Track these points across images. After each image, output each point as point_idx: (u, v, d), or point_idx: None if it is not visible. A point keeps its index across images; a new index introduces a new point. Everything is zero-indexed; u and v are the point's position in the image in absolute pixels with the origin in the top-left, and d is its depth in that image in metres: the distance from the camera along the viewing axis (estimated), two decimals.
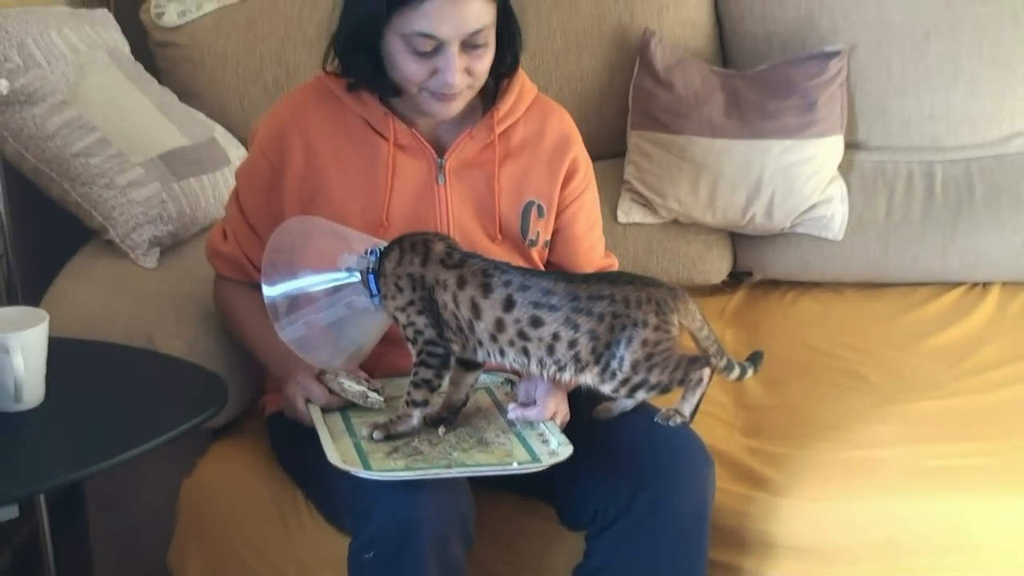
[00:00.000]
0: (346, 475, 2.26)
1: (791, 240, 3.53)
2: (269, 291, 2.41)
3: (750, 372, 2.46)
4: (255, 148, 2.62)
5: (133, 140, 3.01)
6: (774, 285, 3.62)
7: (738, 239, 3.58)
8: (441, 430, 2.41)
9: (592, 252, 2.76)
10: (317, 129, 2.57)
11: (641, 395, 2.36)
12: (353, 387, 2.48)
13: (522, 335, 2.31)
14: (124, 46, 3.36)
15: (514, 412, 2.45)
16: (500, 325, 2.31)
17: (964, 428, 2.86)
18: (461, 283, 2.32)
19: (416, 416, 2.38)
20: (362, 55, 2.49)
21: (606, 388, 2.34)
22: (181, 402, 2.33)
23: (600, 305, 2.29)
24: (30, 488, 2.20)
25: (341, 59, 2.54)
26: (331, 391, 2.48)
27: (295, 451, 2.59)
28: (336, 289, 2.39)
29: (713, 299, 3.53)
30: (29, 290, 3.02)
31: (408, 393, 2.38)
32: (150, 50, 3.57)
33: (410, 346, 2.38)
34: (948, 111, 3.54)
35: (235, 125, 3.45)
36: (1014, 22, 3.51)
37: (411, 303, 2.34)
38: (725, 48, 3.69)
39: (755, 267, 3.60)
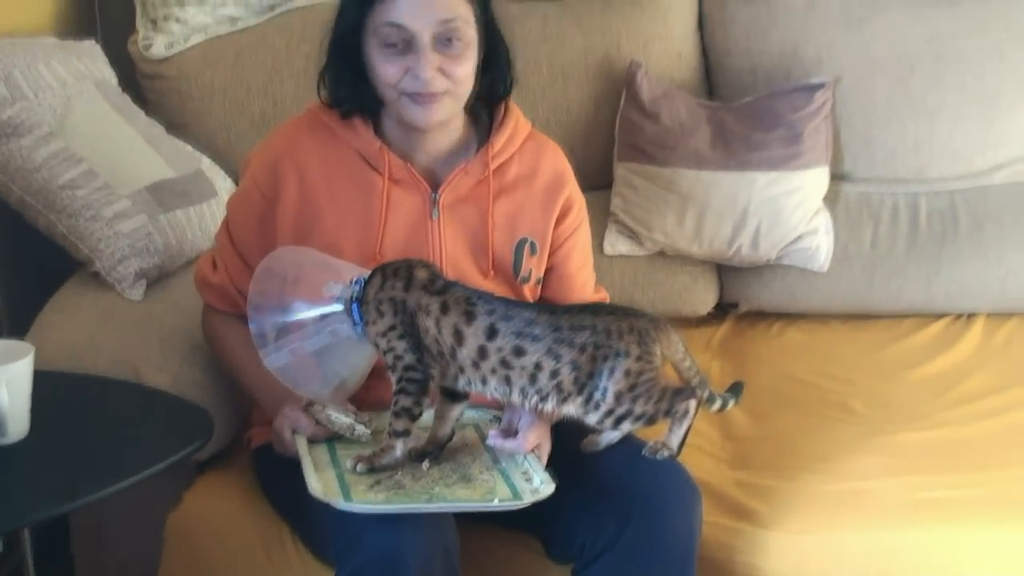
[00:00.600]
0: (331, 507, 2.25)
1: (777, 271, 3.54)
2: (255, 320, 2.40)
3: (731, 403, 2.46)
4: (248, 179, 2.62)
5: (120, 172, 3.01)
6: (760, 316, 3.62)
7: (724, 270, 3.58)
8: (425, 464, 2.40)
9: (584, 289, 2.77)
10: (311, 161, 2.57)
11: (627, 426, 2.35)
12: (340, 419, 2.47)
13: (504, 364, 2.31)
14: (112, 78, 3.36)
15: (494, 440, 2.44)
16: (483, 353, 2.31)
17: (951, 459, 2.86)
18: (444, 309, 2.33)
19: (399, 447, 2.37)
20: (346, 69, 2.51)
21: (591, 419, 2.34)
22: (167, 435, 2.32)
23: (582, 335, 2.29)
24: (15, 522, 2.20)
25: (329, 76, 2.56)
26: (318, 422, 2.48)
27: (281, 484, 2.58)
28: (322, 317, 2.39)
29: (700, 331, 3.54)
30: (14, 323, 3.01)
31: (390, 424, 2.37)
32: (138, 82, 3.58)
33: (390, 374, 2.37)
34: (932, 143, 3.56)
35: (222, 157, 3.46)
36: (997, 55, 3.53)
37: (392, 327, 2.34)
38: (711, 80, 3.71)
39: (741, 298, 3.60)
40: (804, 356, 3.40)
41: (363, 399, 2.54)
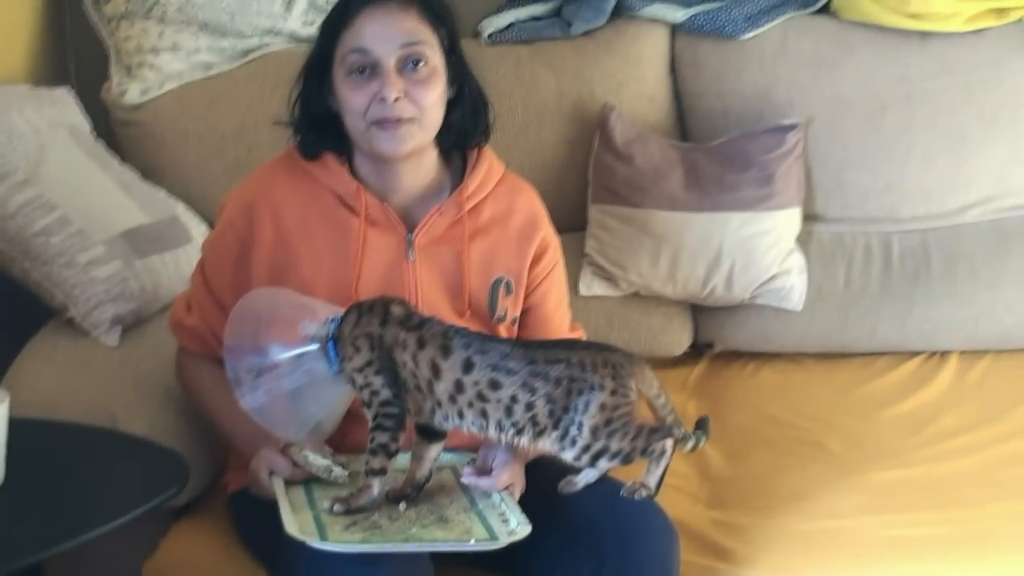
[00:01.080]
0: (307, 548, 2.24)
1: (751, 311, 3.55)
2: (231, 360, 2.40)
3: (703, 440, 2.45)
4: (223, 221, 2.62)
5: (94, 218, 3.01)
6: (735, 356, 3.62)
7: (699, 311, 3.59)
8: (402, 506, 2.40)
9: (561, 328, 2.77)
10: (287, 204, 2.58)
11: (603, 464, 2.35)
12: (318, 461, 2.47)
13: (481, 397, 2.31)
14: (85, 125, 3.36)
15: (468, 477, 2.45)
16: (459, 386, 2.32)
17: (925, 497, 2.86)
18: (421, 344, 2.33)
19: (376, 486, 2.37)
20: (316, 109, 2.55)
21: (567, 456, 2.34)
22: (143, 481, 2.31)
23: (557, 369, 2.30)
24: None
25: (299, 116, 2.58)
26: (296, 464, 2.47)
27: (258, 529, 2.57)
28: (297, 357, 2.39)
29: (675, 371, 3.54)
30: None
31: (367, 462, 2.37)
32: (112, 128, 3.58)
33: (365, 411, 2.37)
34: (904, 183, 3.58)
35: (197, 202, 3.45)
36: (967, 95, 3.56)
37: (369, 363, 2.34)
38: (683, 122, 3.73)
39: (716, 338, 3.61)
40: (779, 395, 3.40)
41: (339, 443, 2.54)
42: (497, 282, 2.64)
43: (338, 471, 2.47)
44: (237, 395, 2.40)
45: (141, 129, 3.57)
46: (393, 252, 2.58)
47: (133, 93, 3.57)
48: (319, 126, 2.57)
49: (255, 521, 2.57)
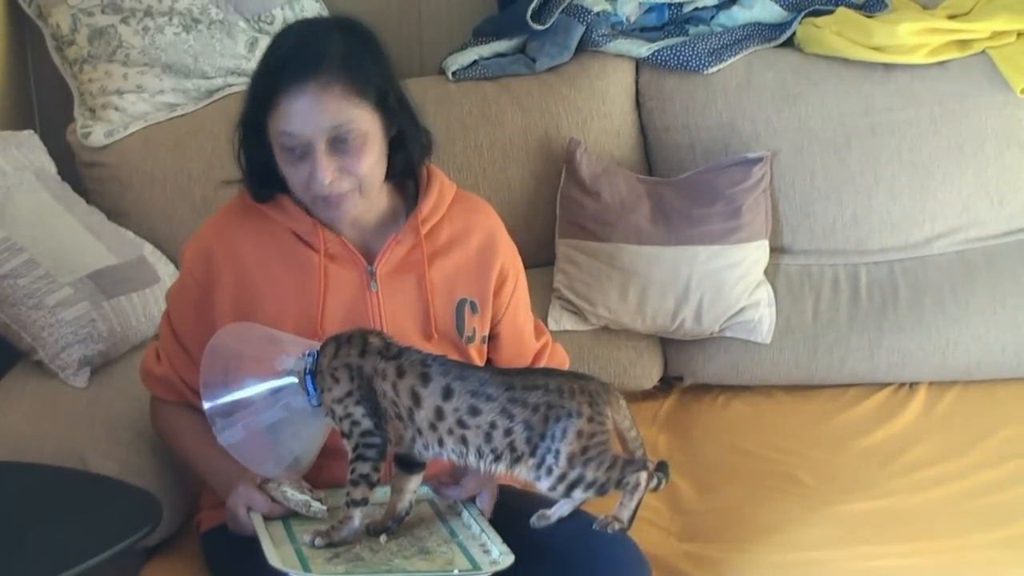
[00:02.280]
0: None
1: (720, 344, 3.55)
2: (208, 397, 2.40)
3: (664, 483, 2.43)
4: (183, 269, 2.64)
5: (61, 260, 3.00)
6: (705, 389, 3.62)
7: (668, 344, 3.59)
8: (383, 538, 2.40)
9: (531, 336, 2.83)
10: (244, 245, 2.58)
11: (579, 495, 2.34)
12: (296, 496, 2.46)
13: (461, 424, 2.32)
14: (51, 167, 3.36)
15: (438, 489, 2.50)
16: (440, 413, 2.33)
17: (897, 528, 2.87)
18: (400, 373, 2.34)
19: (357, 517, 2.37)
20: (259, 162, 2.54)
21: (543, 485, 2.33)
22: (114, 521, 2.30)
23: (535, 395, 2.31)
24: None
25: (247, 164, 2.58)
26: (274, 499, 2.47)
27: (231, 567, 2.57)
28: (274, 392, 2.39)
29: (645, 404, 3.53)
30: None
31: (348, 493, 2.37)
32: (77, 170, 3.57)
33: (345, 442, 2.37)
34: (870, 214, 3.59)
35: (164, 243, 3.45)
36: (931, 127, 3.58)
37: (349, 393, 2.35)
38: (650, 156, 3.74)
39: (686, 372, 3.61)
40: (750, 428, 3.40)
41: (315, 479, 2.53)
42: (462, 303, 2.65)
43: (316, 506, 2.47)
44: (215, 431, 2.39)
45: (107, 171, 3.56)
46: (355, 284, 2.59)
47: (98, 135, 3.57)
48: (266, 172, 2.55)
49: (229, 558, 2.57)
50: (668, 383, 3.65)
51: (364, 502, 2.37)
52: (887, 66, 3.61)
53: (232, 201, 2.67)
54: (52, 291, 2.94)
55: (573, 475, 2.31)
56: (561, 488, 2.33)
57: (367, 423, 2.35)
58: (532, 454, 2.31)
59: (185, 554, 2.75)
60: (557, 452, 2.30)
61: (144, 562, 2.74)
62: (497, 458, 2.33)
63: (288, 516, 2.47)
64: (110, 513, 2.37)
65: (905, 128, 3.59)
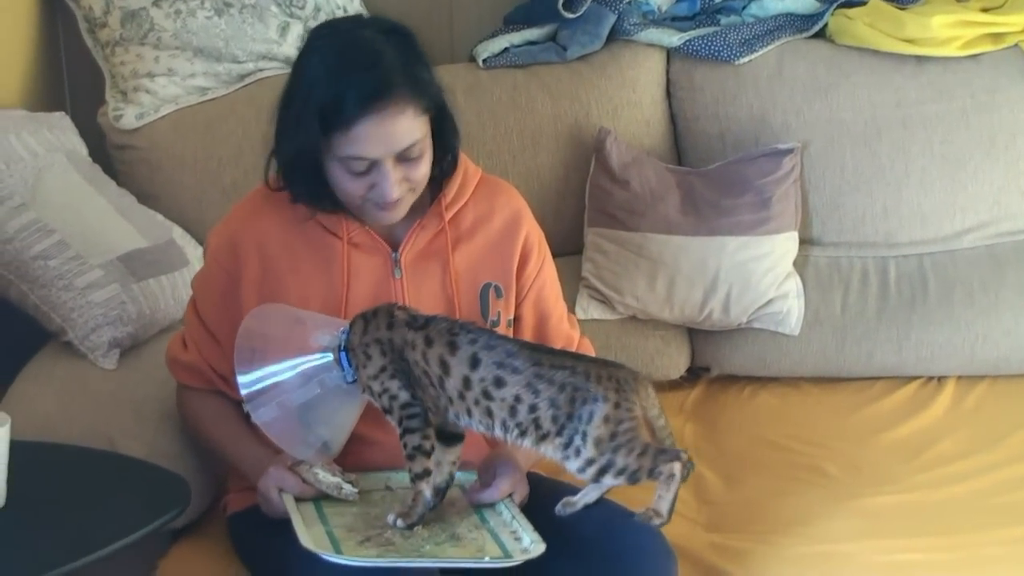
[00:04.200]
0: (320, 565, 2.25)
1: (748, 335, 3.55)
2: (243, 378, 2.41)
3: (687, 474, 2.43)
4: (209, 257, 2.65)
5: (92, 242, 3.01)
6: (732, 380, 3.62)
7: (695, 335, 3.59)
8: (418, 528, 2.40)
9: (562, 322, 2.80)
10: (270, 233, 2.58)
11: (608, 480, 2.34)
12: (327, 478, 2.47)
13: (486, 395, 2.33)
14: (82, 149, 3.36)
15: (470, 494, 2.48)
16: (467, 383, 2.33)
17: (923, 523, 2.87)
18: (428, 342, 2.35)
19: (427, 489, 2.39)
20: (305, 176, 2.50)
21: (572, 467, 2.33)
22: (142, 504, 2.31)
23: (561, 374, 2.31)
24: None
25: (285, 180, 2.55)
26: (305, 481, 2.47)
27: (258, 549, 2.58)
28: (309, 369, 2.40)
29: (672, 395, 3.53)
30: None
31: (409, 469, 2.39)
32: (108, 152, 3.58)
33: (389, 418, 2.39)
34: (900, 207, 3.58)
35: (193, 226, 3.46)
36: (963, 120, 3.57)
37: (383, 369, 2.37)
38: (680, 146, 3.73)
39: (713, 362, 3.61)
40: (776, 419, 3.40)
41: (344, 464, 2.54)
42: (486, 287, 2.65)
43: (348, 488, 2.47)
44: (249, 409, 2.41)
45: (137, 153, 3.57)
46: (380, 272, 2.60)
47: (129, 117, 3.57)
48: (313, 191, 2.53)
49: (255, 541, 2.59)
50: (695, 374, 3.65)
51: (427, 473, 2.39)
52: (919, 58, 3.60)
53: (257, 189, 2.67)
54: (82, 273, 2.94)
55: (603, 460, 2.31)
56: (591, 471, 2.32)
57: (404, 395, 2.36)
58: (559, 434, 2.31)
59: (212, 536, 2.75)
60: (584, 434, 2.30)
61: (171, 543, 2.75)
62: (522, 433, 2.34)
63: (319, 498, 2.48)
64: (138, 495, 2.37)
65: (936, 121, 3.57)
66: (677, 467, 2.34)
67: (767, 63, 3.65)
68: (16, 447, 2.24)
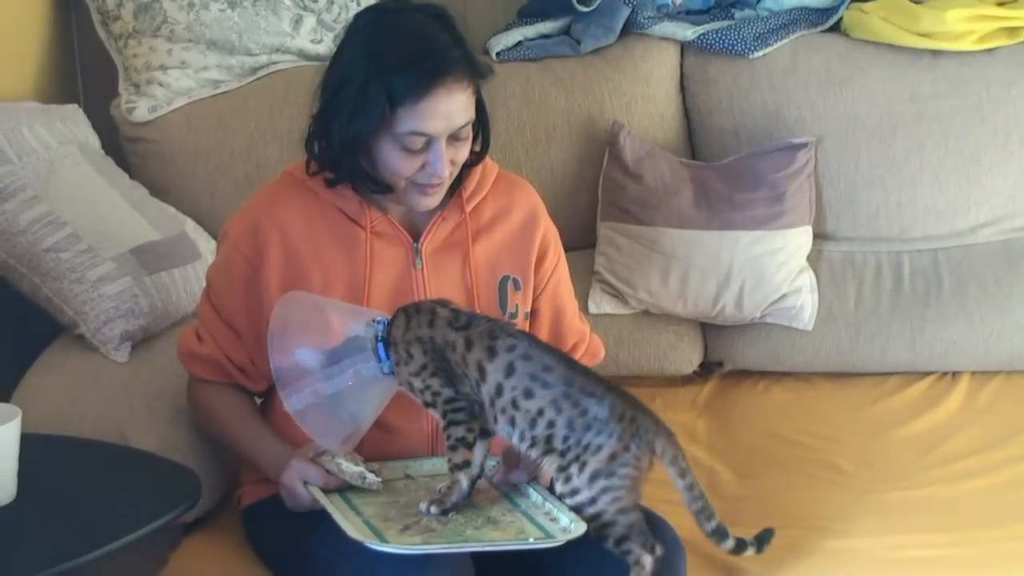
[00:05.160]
0: (350, 555, 2.27)
1: (761, 330, 3.54)
2: (277, 364, 2.41)
3: (750, 551, 2.45)
4: (228, 246, 2.63)
5: (104, 235, 3.01)
6: (745, 375, 3.62)
7: (708, 329, 3.59)
8: (452, 512, 2.41)
9: (575, 319, 2.82)
10: (292, 221, 2.59)
11: (585, 513, 2.33)
12: (351, 468, 2.47)
13: (514, 404, 2.33)
14: (95, 141, 3.36)
15: (497, 476, 2.49)
16: (499, 390, 2.34)
17: (937, 518, 2.86)
18: (468, 345, 2.36)
19: (464, 480, 2.40)
20: (353, 158, 2.52)
21: (559, 488, 2.34)
22: (154, 497, 2.31)
23: (587, 401, 2.30)
24: None
25: (331, 163, 2.56)
26: (328, 472, 2.47)
27: (274, 542, 2.59)
28: (342, 359, 2.40)
29: (684, 389, 3.53)
30: None
31: (448, 459, 2.40)
32: (121, 145, 3.58)
33: (432, 411, 2.41)
34: (915, 202, 3.58)
35: (206, 219, 3.46)
36: (978, 114, 3.56)
37: (424, 367, 2.38)
38: (693, 140, 3.73)
39: (726, 357, 3.60)
40: (789, 415, 3.40)
41: (363, 453, 2.54)
42: (504, 279, 2.66)
43: (371, 478, 2.48)
44: (283, 397, 2.41)
45: (150, 146, 3.57)
46: (401, 262, 2.61)
47: (142, 110, 3.58)
48: (362, 172, 2.55)
49: (272, 533, 2.60)
50: (708, 368, 3.64)
51: (467, 464, 2.40)
52: (934, 53, 3.59)
53: (277, 179, 2.68)
54: (94, 265, 2.94)
55: (588, 494, 2.30)
56: (574, 500, 2.32)
57: (447, 392, 2.37)
58: (563, 454, 2.31)
59: (224, 529, 2.76)
60: (584, 464, 2.30)
61: (183, 536, 2.75)
62: (533, 444, 2.33)
63: (344, 489, 2.47)
64: (149, 489, 2.38)
65: (951, 115, 3.57)
66: (648, 561, 2.32)
67: (781, 57, 3.64)
68: (27, 440, 2.25)
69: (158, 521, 2.17)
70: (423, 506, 2.39)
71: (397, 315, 2.41)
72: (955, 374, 3.55)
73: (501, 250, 2.68)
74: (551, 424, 2.31)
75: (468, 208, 2.64)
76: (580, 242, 3.58)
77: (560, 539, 2.31)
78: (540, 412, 2.31)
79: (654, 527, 2.41)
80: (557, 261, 2.77)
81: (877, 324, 3.51)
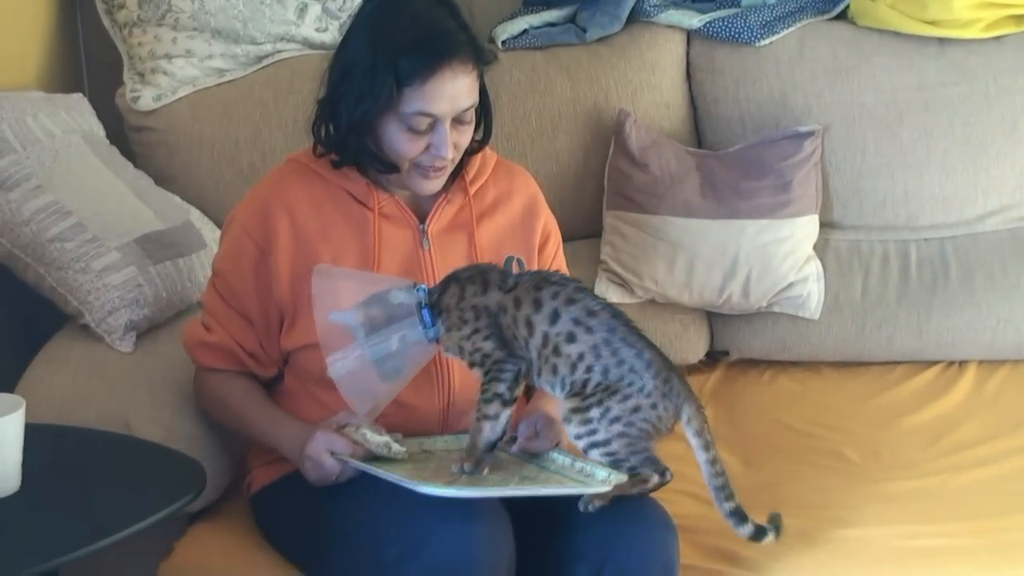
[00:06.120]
0: (357, 532, 2.35)
1: (768, 319, 3.54)
2: (323, 329, 2.43)
3: (770, 537, 2.49)
4: (237, 231, 2.65)
5: (109, 224, 3.00)
6: (751, 364, 3.62)
7: (715, 318, 3.58)
8: (485, 470, 2.43)
9: None
10: (301, 203, 2.62)
11: (595, 454, 2.39)
12: (375, 437, 2.47)
13: (556, 350, 2.38)
14: (99, 130, 3.36)
15: (518, 445, 2.52)
16: (545, 339, 2.39)
17: (943, 508, 2.85)
18: (517, 304, 2.41)
19: (487, 428, 2.42)
20: (360, 139, 2.56)
21: (574, 430, 2.39)
22: (158, 488, 2.30)
23: (627, 351, 2.37)
24: None
25: (342, 142, 2.60)
26: (355, 442, 2.48)
27: (287, 522, 2.62)
28: (385, 325, 2.42)
29: (691, 379, 3.45)
30: (3, 376, 2.99)
31: (479, 409, 2.42)
32: (125, 134, 3.58)
33: (477, 371, 2.44)
34: (922, 191, 3.57)
35: (211, 208, 3.45)
36: (985, 102, 3.55)
37: (476, 331, 2.42)
38: (699, 129, 3.72)
39: (732, 346, 3.60)
40: (796, 404, 3.40)
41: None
42: (509, 259, 2.65)
43: (396, 447, 2.49)
44: (328, 362, 2.43)
45: (155, 135, 3.57)
46: (408, 243, 2.65)
47: (146, 99, 3.57)
48: (355, 142, 2.60)
49: (281, 518, 2.63)
50: (714, 357, 3.65)
51: (496, 417, 2.42)
52: (941, 40, 3.58)
53: (281, 166, 2.71)
54: (99, 255, 2.94)
55: (603, 435, 2.37)
56: (587, 440, 2.38)
57: (499, 354, 2.42)
58: (586, 397, 2.36)
59: (229, 518, 2.77)
60: (607, 409, 2.35)
61: (188, 525, 2.76)
62: (563, 387, 2.39)
63: (369, 459, 2.48)
64: (153, 479, 2.38)
65: (959, 103, 3.56)
66: (655, 479, 2.39)
67: (788, 45, 3.64)
68: (32, 430, 2.24)
69: (163, 512, 2.17)
70: (455, 467, 2.42)
71: (448, 283, 2.46)
72: (962, 363, 3.55)
73: (504, 232, 2.73)
74: (588, 369, 2.36)
75: (472, 191, 2.69)
76: (586, 231, 3.58)
77: (603, 488, 2.35)
78: (580, 357, 2.36)
79: (643, 506, 2.45)
80: (557, 248, 2.83)
81: (884, 313, 3.51)
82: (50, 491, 2.25)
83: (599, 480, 2.38)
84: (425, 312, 2.42)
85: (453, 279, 2.46)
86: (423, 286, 2.45)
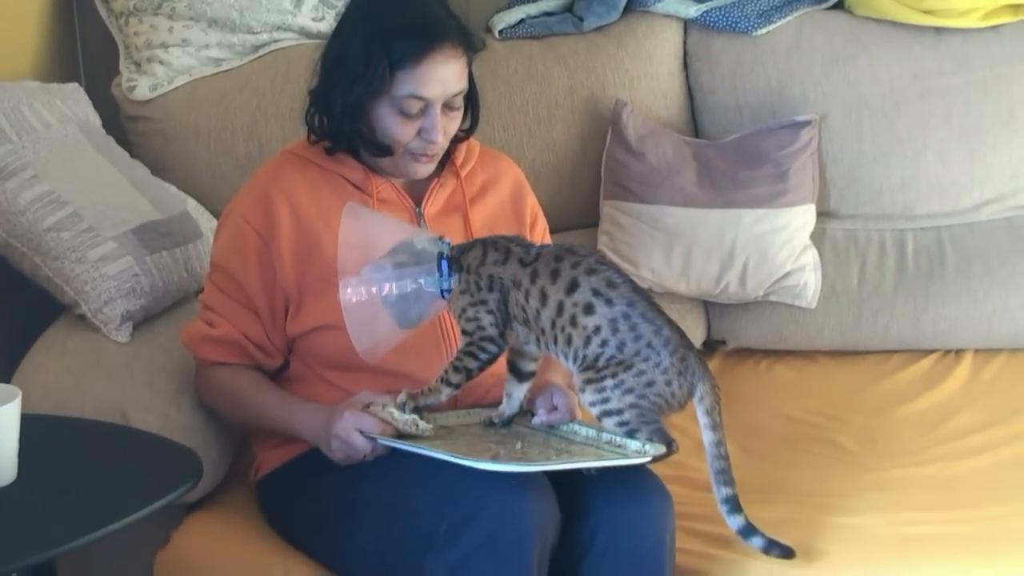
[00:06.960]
0: (365, 513, 2.40)
1: (764, 308, 3.54)
2: (344, 253, 2.47)
3: (755, 541, 2.52)
4: (237, 222, 2.67)
5: (105, 214, 3.00)
6: (748, 353, 3.62)
7: (711, 308, 3.59)
8: (519, 444, 2.47)
9: None
10: (299, 191, 2.66)
11: (608, 423, 2.42)
12: (401, 415, 2.48)
13: (573, 321, 2.39)
14: (96, 120, 3.35)
15: (538, 418, 2.55)
16: (560, 309, 2.40)
17: (939, 496, 2.86)
18: (534, 277, 2.43)
19: (445, 392, 2.48)
20: (355, 124, 2.61)
21: (588, 398, 2.41)
22: (155, 478, 2.29)
23: (645, 327, 2.38)
24: (1, 567, 2.17)
25: (336, 128, 2.64)
26: (382, 420, 2.48)
27: (296, 505, 2.64)
28: (410, 266, 2.45)
29: None
30: None
31: (445, 372, 2.46)
32: (122, 124, 3.57)
33: (464, 337, 2.48)
34: (918, 180, 3.58)
35: (208, 198, 3.45)
36: (982, 92, 3.56)
37: (483, 302, 2.45)
38: (696, 118, 3.72)
39: (729, 336, 3.60)
40: (792, 393, 3.41)
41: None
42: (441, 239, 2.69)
43: (423, 424, 2.49)
44: (341, 286, 2.44)
45: (151, 125, 3.56)
46: None
47: (143, 89, 3.57)
48: (349, 127, 2.64)
49: (288, 502, 2.66)
50: (711, 347, 3.65)
51: (457, 387, 2.47)
52: (938, 30, 3.59)
53: (276, 157, 2.74)
54: (95, 245, 2.94)
55: (616, 405, 2.39)
56: (600, 408, 2.40)
57: (492, 331, 2.45)
58: (600, 369, 2.38)
59: (226, 507, 2.78)
60: (621, 382, 2.37)
61: (185, 515, 2.76)
62: (575, 359, 2.40)
63: (395, 437, 2.48)
64: (150, 469, 2.37)
65: (955, 93, 3.56)
66: (662, 449, 2.40)
67: (785, 34, 3.64)
68: (28, 420, 2.23)
69: (160, 502, 2.16)
70: (401, 398, 2.47)
71: (474, 244, 2.50)
72: (958, 352, 3.56)
73: (496, 213, 2.79)
74: (603, 344, 2.38)
75: (463, 174, 2.75)
76: (583, 221, 3.58)
77: (642, 460, 2.37)
78: (596, 330, 2.38)
79: (640, 476, 2.47)
80: (544, 231, 2.89)
81: (880, 302, 3.52)
82: (46, 481, 2.24)
83: (635, 450, 2.39)
84: (444, 263, 2.45)
85: (479, 241, 2.51)
86: (448, 240, 2.49)
